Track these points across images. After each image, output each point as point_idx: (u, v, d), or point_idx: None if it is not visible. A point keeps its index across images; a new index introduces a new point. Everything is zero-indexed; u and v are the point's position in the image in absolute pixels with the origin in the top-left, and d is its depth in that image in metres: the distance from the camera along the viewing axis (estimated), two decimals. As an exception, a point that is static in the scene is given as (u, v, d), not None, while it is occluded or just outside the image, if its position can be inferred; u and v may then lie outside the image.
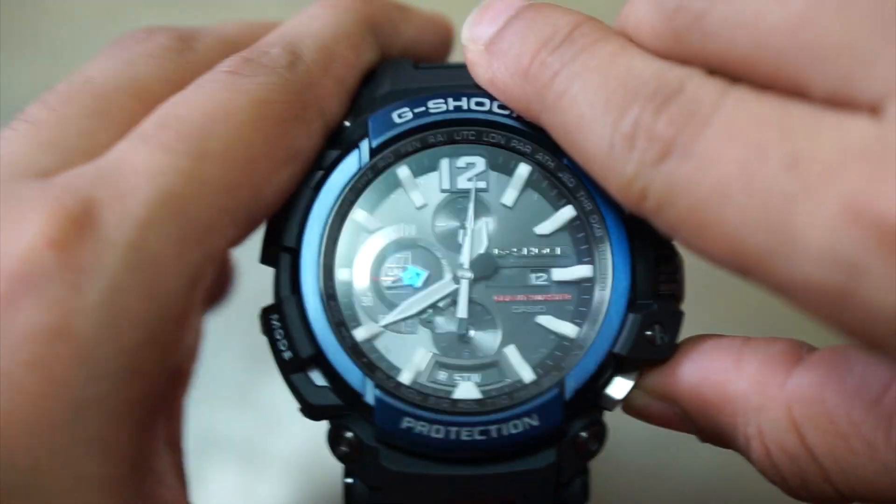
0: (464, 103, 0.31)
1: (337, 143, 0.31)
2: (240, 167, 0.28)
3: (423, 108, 0.31)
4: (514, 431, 0.30)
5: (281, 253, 0.31)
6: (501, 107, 0.31)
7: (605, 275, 0.31)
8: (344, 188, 0.31)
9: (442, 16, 0.37)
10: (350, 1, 0.33)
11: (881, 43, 0.22)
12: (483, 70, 0.30)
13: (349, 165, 0.31)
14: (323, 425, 0.31)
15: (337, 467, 0.31)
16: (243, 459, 0.55)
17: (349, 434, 0.30)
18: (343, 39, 0.32)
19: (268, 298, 0.31)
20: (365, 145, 0.31)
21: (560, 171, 0.31)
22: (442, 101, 0.31)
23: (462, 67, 0.32)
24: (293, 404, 0.31)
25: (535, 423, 0.30)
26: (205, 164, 0.27)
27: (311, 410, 0.31)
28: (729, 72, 0.25)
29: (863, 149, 0.22)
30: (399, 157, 0.31)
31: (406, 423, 0.30)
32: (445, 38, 0.37)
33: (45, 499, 0.24)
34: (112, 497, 0.26)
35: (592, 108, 0.26)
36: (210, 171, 0.27)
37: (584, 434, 0.30)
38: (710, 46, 0.25)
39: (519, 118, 0.31)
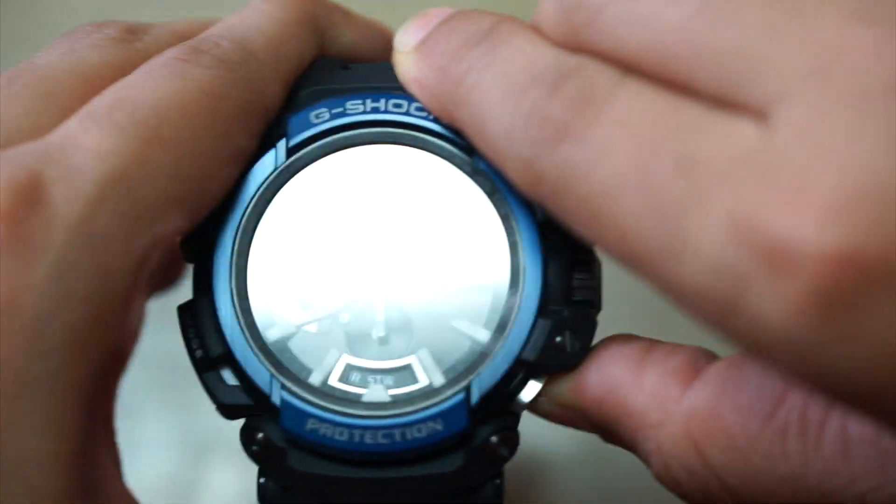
0: (381, 104, 0.31)
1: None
2: (190, 158, 0.28)
3: (340, 109, 0.31)
4: (418, 436, 0.29)
5: (197, 250, 0.31)
6: (419, 109, 0.31)
7: (518, 279, 0.30)
8: (260, 187, 0.31)
9: (382, 23, 0.37)
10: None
11: (768, 49, 0.22)
12: (408, 71, 0.30)
13: (266, 165, 0.31)
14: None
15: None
16: (244, 459, 0.56)
17: (260, 434, 0.30)
18: (290, 40, 0.32)
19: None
20: (282, 145, 0.31)
21: (476, 174, 0.31)
22: (360, 101, 0.31)
23: (389, 67, 0.32)
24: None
25: (439, 427, 0.29)
26: (156, 150, 0.27)
27: (223, 409, 0.31)
28: (623, 67, 0.25)
29: (748, 158, 0.21)
30: (316, 157, 0.31)
31: (310, 425, 0.30)
32: (385, 45, 0.36)
33: None
34: (56, 476, 0.26)
35: (496, 95, 0.26)
36: (161, 157, 0.27)
37: (493, 439, 0.30)
38: (605, 43, 0.25)
39: (436, 120, 0.31)
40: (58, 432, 0.26)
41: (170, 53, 0.29)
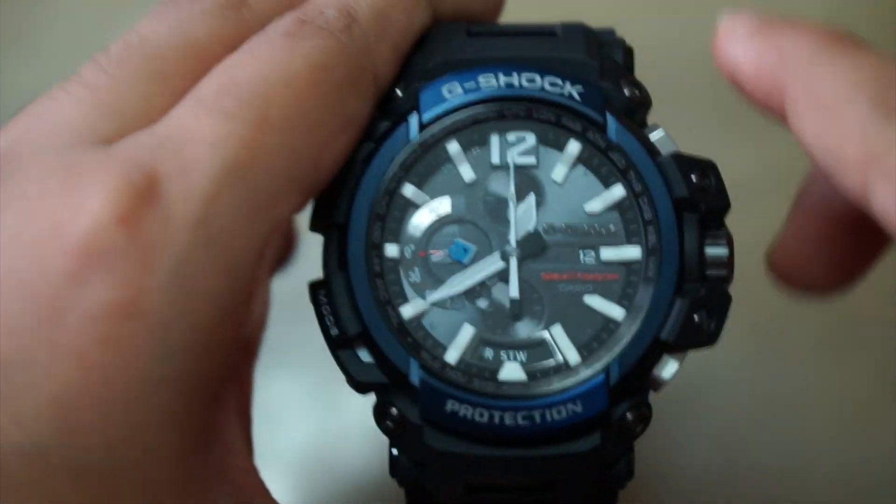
0: (515, 79, 0.31)
1: (387, 112, 0.31)
2: (300, 134, 0.27)
3: (473, 83, 0.31)
4: (558, 417, 0.29)
5: (329, 227, 0.31)
6: (553, 84, 0.31)
7: (653, 257, 0.30)
8: (393, 162, 0.30)
9: None
10: None
11: None
12: (739, 50, 0.31)
13: (399, 139, 0.31)
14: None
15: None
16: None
17: (394, 410, 0.30)
18: (398, 2, 0.31)
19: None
20: (415, 119, 0.31)
21: (611, 150, 0.31)
22: (493, 75, 0.31)
23: (515, 35, 0.32)
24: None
25: (579, 409, 0.29)
26: (266, 133, 0.26)
27: (356, 386, 0.31)
28: None
29: None
30: (449, 133, 0.31)
31: (450, 405, 0.29)
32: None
33: (117, 475, 0.24)
34: (180, 469, 0.26)
35: (856, 90, 0.28)
36: (272, 140, 0.27)
37: (629, 416, 0.30)
38: None
39: (570, 97, 0.31)
40: (184, 428, 0.26)
41: (275, 29, 0.29)
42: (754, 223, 0.39)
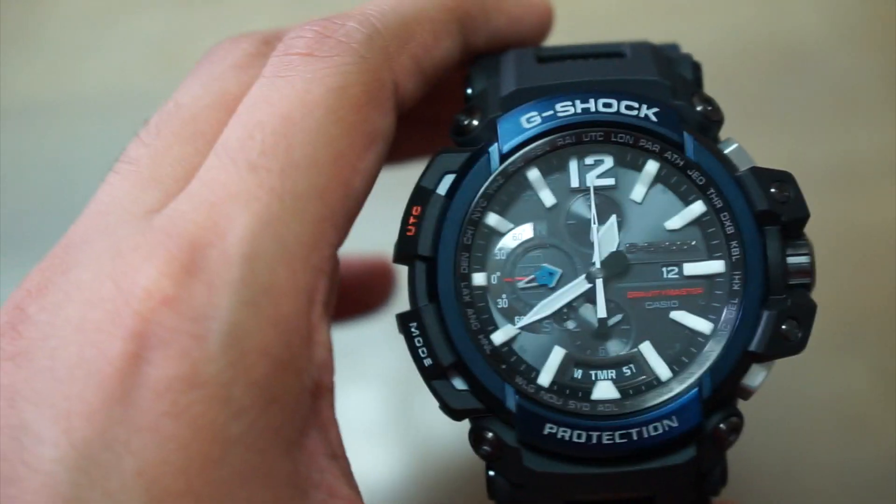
0: (591, 105, 0.31)
1: (466, 144, 0.32)
2: (327, 168, 0.28)
3: (550, 112, 0.31)
4: (654, 433, 0.30)
5: (416, 261, 0.31)
6: (629, 107, 0.31)
7: (738, 270, 0.31)
8: (476, 193, 0.31)
9: None
10: None
11: None
12: None
13: (480, 170, 0.31)
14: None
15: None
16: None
17: (490, 434, 0.31)
18: (425, 21, 0.31)
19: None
20: (495, 150, 0.31)
21: (689, 168, 0.31)
22: (569, 103, 0.31)
23: (584, 57, 0.32)
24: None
25: (675, 424, 0.30)
26: (293, 177, 0.27)
27: (451, 413, 0.31)
28: None
29: None
30: (529, 161, 0.31)
31: (548, 428, 0.30)
32: (544, 21, 0.36)
33: None
34: None
35: None
36: (300, 183, 0.27)
37: (722, 427, 0.31)
38: None
39: (647, 118, 0.31)
40: (269, 481, 0.26)
41: (295, 47, 0.29)
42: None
